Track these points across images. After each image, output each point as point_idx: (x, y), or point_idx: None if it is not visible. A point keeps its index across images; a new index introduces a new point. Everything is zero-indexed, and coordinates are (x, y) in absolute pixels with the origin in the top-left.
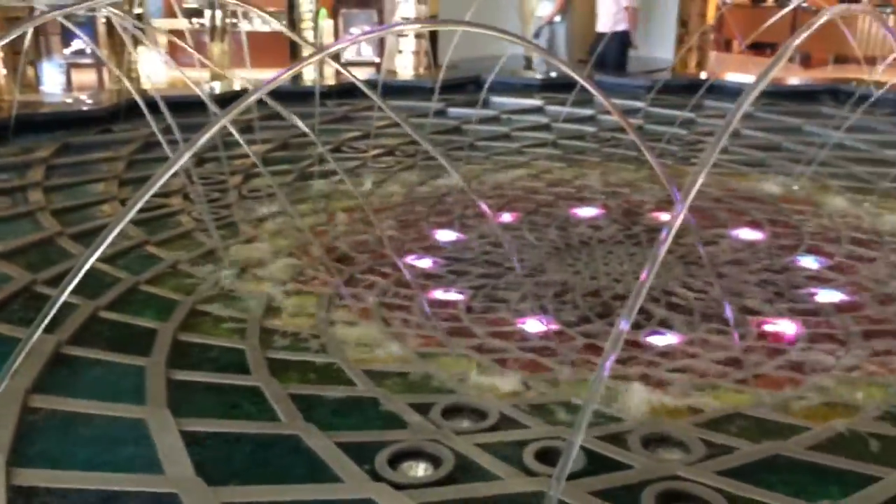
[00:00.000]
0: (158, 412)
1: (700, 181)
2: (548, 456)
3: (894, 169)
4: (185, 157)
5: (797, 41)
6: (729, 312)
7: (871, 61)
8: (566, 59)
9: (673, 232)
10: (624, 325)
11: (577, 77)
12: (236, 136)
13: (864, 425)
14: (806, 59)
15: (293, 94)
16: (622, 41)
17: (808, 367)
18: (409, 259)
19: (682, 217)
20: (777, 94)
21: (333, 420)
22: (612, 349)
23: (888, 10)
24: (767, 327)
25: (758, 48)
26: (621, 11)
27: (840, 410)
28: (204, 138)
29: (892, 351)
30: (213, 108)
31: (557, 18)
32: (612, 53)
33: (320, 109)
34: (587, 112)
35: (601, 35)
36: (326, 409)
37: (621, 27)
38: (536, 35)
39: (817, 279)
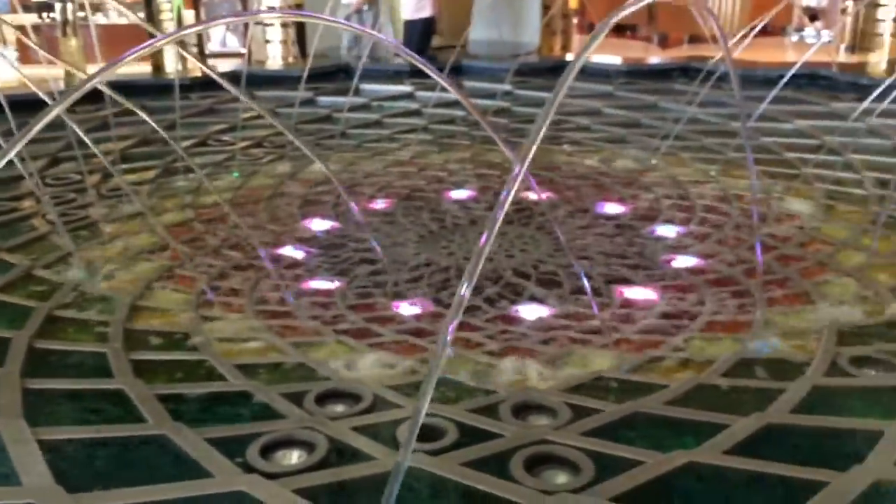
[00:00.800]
0: (12, 423)
1: (533, 149)
2: (421, 432)
3: (740, 139)
4: (13, 151)
5: (613, 20)
6: (587, 283)
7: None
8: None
9: (511, 194)
10: (465, 291)
11: (417, 62)
12: (80, 133)
13: (715, 378)
14: (663, 40)
15: (154, 88)
16: (426, 28)
17: (666, 329)
18: (281, 250)
19: (518, 180)
20: (634, 73)
21: (203, 417)
22: (455, 315)
23: None
24: (629, 294)
25: (618, 31)
26: None
27: (695, 367)
28: (36, 128)
29: (743, 307)
30: (46, 98)
31: (365, 7)
32: (415, 39)
33: (184, 102)
34: (454, 97)
35: (407, 22)
36: (196, 407)
37: (425, 13)
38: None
39: (675, 247)
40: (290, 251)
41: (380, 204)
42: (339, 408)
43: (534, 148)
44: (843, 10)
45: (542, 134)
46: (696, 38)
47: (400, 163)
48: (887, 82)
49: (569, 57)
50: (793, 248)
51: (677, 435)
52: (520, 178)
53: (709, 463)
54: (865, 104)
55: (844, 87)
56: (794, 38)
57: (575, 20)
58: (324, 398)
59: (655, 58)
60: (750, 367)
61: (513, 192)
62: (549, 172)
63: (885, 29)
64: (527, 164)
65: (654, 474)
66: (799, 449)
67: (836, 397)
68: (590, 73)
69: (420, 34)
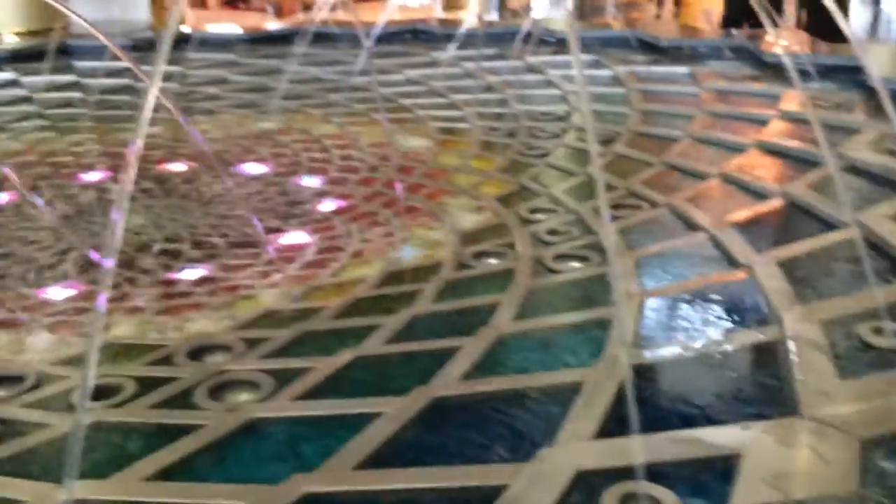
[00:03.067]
0: None
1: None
2: (100, 392)
3: (361, 92)
4: None
5: None
6: (248, 234)
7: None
8: None
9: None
10: (109, 262)
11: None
12: None
13: (369, 291)
14: (278, 10)
15: None
16: None
17: (322, 263)
18: None
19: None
20: (256, 41)
21: None
22: (103, 285)
23: None
24: (285, 240)
25: (231, 3)
26: None
27: (351, 287)
28: None
29: (385, 234)
30: None
31: None
32: None
33: None
34: (68, 79)
35: None
36: None
37: None
38: None
39: (320, 194)
40: None
41: (2, 197)
42: (2, 392)
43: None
44: None
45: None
46: (309, 7)
47: (17, 153)
48: (465, 31)
49: (185, 30)
50: (419, 178)
51: (342, 341)
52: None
53: (371, 354)
54: (452, 52)
55: (441, 38)
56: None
57: None
58: None
59: (273, 24)
60: (397, 278)
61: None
62: (182, 143)
63: None
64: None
65: (326, 374)
66: (441, 328)
67: (464, 284)
68: (212, 43)
69: None
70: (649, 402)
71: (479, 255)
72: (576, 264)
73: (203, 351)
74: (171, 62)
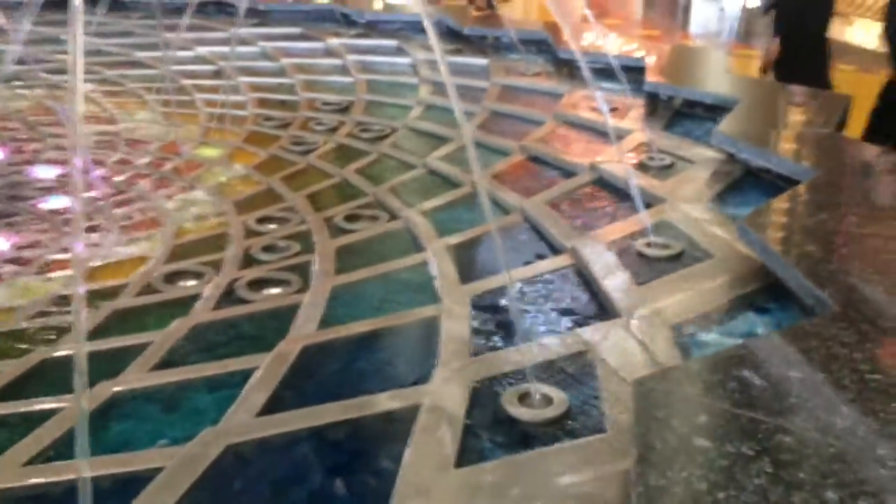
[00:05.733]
0: None
1: None
2: None
3: (142, 69)
4: None
5: None
6: None
7: None
8: None
9: None
10: None
11: None
12: None
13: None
14: None
15: None
16: None
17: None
18: None
19: None
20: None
21: None
22: None
23: None
24: None
25: None
26: None
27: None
28: None
29: (94, 245)
30: None
31: None
32: None
33: None
34: None
35: None
36: None
37: None
38: None
39: (49, 188)
40: None
41: None
42: None
43: None
44: None
45: None
46: None
47: None
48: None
49: None
50: (169, 173)
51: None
52: None
53: None
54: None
55: (247, 14)
56: None
57: None
58: None
59: None
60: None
61: None
62: None
63: None
64: None
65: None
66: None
67: (135, 316)
68: None
69: None
70: None
71: (174, 277)
72: (274, 290)
73: None
74: None
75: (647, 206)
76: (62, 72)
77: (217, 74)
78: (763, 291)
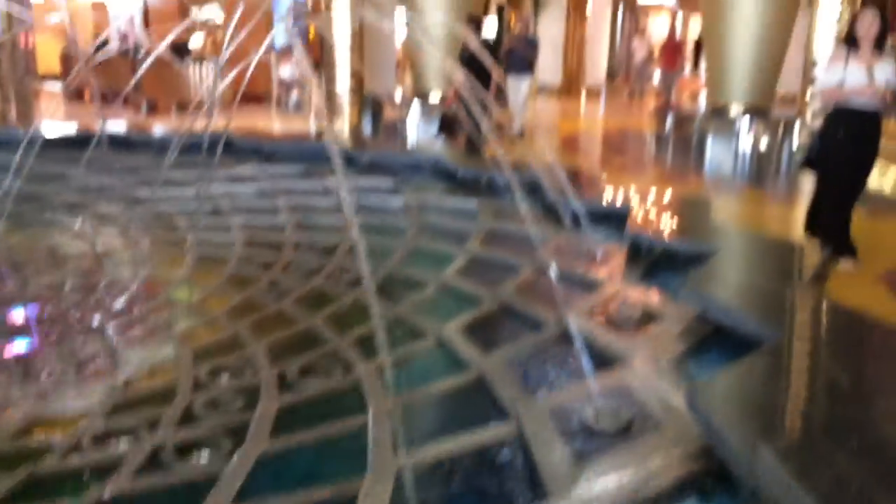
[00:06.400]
0: None
1: None
2: None
3: (139, 207)
4: None
5: None
6: None
7: None
8: None
9: None
10: None
11: None
12: None
13: None
14: (153, 107)
15: None
16: None
17: None
18: None
19: None
20: (52, 143)
21: None
22: None
23: None
24: None
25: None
26: None
27: None
28: None
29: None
30: None
31: None
32: None
33: None
34: None
35: None
36: None
37: None
38: None
39: (12, 331)
40: None
41: None
42: None
43: None
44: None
45: None
46: (183, 106)
47: None
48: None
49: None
50: (138, 317)
51: None
52: None
53: None
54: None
55: (248, 152)
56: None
57: None
58: None
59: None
60: None
61: None
62: None
63: None
64: None
65: None
66: None
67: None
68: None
69: None
70: None
71: (106, 437)
72: (203, 453)
73: None
74: None
75: (607, 364)
76: (67, 207)
77: (213, 213)
78: (711, 473)
